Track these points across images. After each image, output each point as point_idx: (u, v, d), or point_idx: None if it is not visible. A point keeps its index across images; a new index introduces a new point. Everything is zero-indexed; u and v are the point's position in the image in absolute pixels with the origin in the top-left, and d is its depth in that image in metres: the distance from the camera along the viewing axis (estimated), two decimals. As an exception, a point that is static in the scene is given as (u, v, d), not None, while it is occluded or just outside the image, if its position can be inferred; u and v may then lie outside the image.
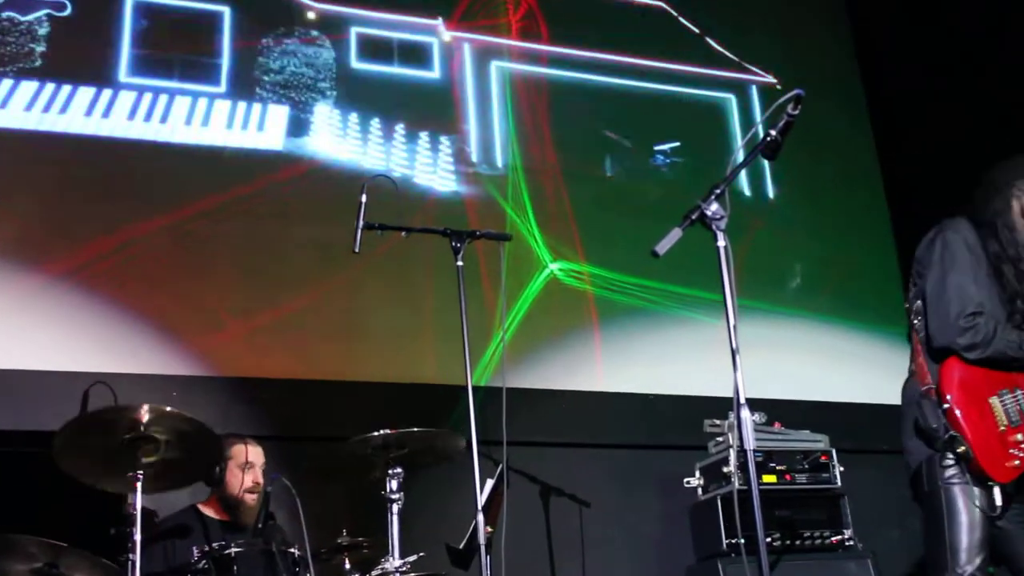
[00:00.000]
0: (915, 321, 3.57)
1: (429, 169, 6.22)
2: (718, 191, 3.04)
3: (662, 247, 2.94)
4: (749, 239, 6.89)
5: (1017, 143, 7.55)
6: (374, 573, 4.07)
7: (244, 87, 6.04)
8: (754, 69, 7.46)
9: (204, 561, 3.87)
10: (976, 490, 3.29)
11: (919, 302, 3.57)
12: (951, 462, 3.31)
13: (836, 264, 7.21)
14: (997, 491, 3.28)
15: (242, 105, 5.99)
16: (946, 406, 3.32)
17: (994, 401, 3.39)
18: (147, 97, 5.81)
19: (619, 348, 6.35)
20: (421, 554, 4.15)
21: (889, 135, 7.85)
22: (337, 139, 6.11)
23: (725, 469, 5.36)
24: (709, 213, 3.00)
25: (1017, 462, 3.34)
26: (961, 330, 3.36)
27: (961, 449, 3.27)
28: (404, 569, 4.03)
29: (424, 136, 6.28)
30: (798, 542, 5.48)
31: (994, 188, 3.59)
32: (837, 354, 6.83)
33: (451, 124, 6.43)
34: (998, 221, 3.53)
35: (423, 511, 4.98)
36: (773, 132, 3.23)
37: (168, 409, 3.67)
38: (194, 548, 3.95)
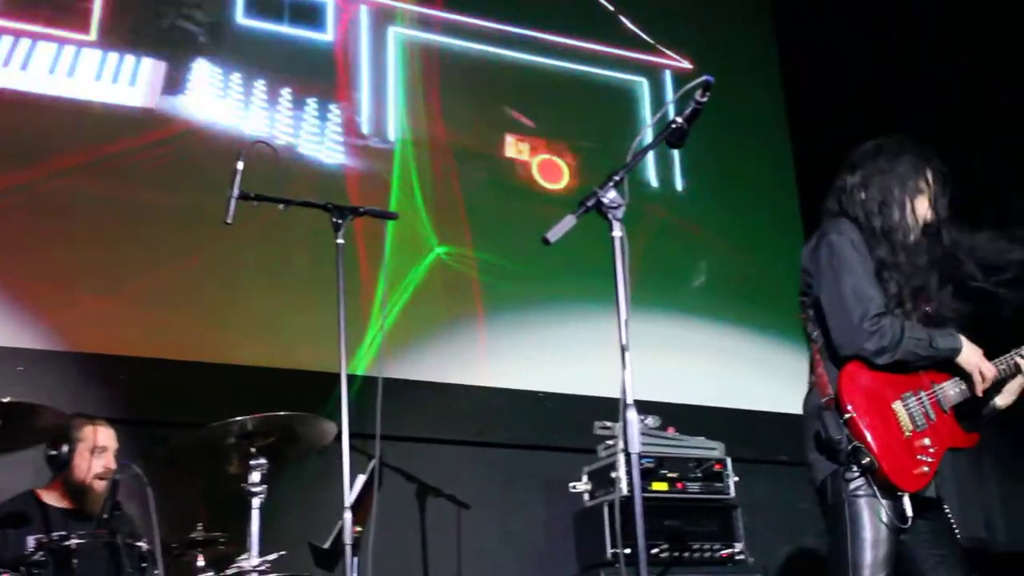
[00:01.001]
0: (812, 333, 3.61)
1: (315, 138, 6.15)
2: (616, 178, 3.05)
3: (554, 234, 2.94)
4: (653, 232, 6.97)
5: (939, 135, 7.82)
6: (229, 572, 4.02)
7: (116, 36, 5.90)
8: (669, 53, 7.55)
9: (40, 553, 3.78)
10: (884, 502, 3.33)
11: (812, 312, 3.61)
12: (856, 474, 3.34)
13: (744, 264, 7.32)
14: (907, 500, 3.32)
15: (113, 56, 5.85)
16: (848, 416, 3.35)
17: (898, 407, 3.45)
18: (6, 41, 5.64)
19: (508, 341, 6.38)
20: (282, 553, 4.11)
21: (807, 133, 8.00)
22: (216, 100, 6.00)
23: (613, 474, 5.40)
24: (606, 201, 3.01)
25: (925, 468, 3.41)
26: (868, 334, 3.40)
27: (866, 460, 3.30)
28: (263, 568, 3.98)
29: (312, 103, 6.21)
30: (686, 554, 5.55)
31: (874, 188, 3.65)
32: (739, 359, 6.94)
33: (342, 92, 6.37)
34: (880, 222, 3.59)
35: (287, 506, 4.94)
36: (679, 119, 3.25)
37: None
38: (30, 538, 3.85)
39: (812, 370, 3.61)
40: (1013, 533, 7.43)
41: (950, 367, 3.55)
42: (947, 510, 3.54)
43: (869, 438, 3.33)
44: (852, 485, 3.34)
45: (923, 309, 3.56)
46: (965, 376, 3.56)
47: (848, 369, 3.43)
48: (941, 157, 7.84)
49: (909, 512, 3.30)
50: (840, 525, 3.36)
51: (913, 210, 3.64)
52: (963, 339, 3.55)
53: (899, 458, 3.36)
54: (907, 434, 3.43)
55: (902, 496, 3.32)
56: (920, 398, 3.50)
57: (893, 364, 3.44)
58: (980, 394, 3.59)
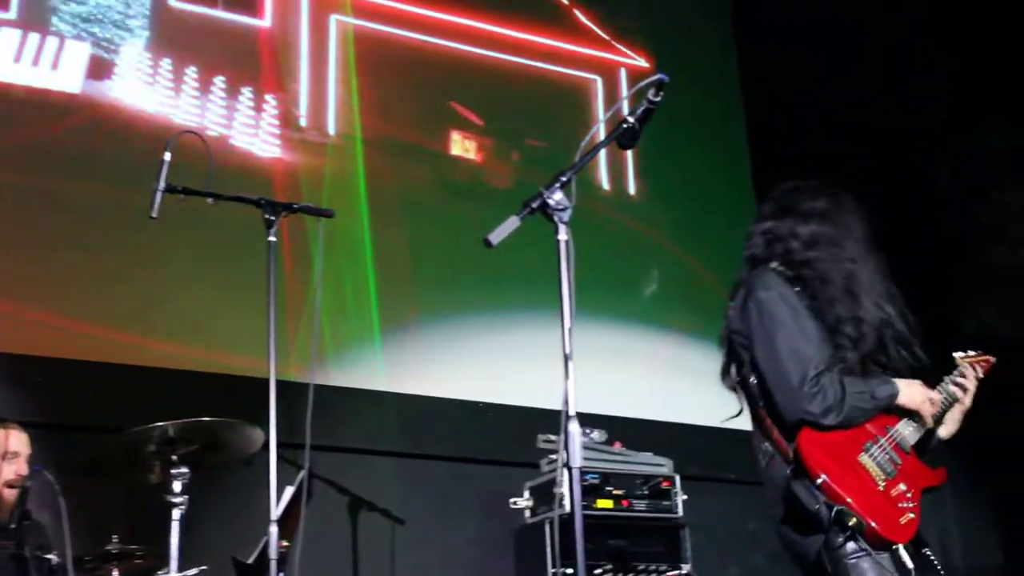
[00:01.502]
0: (760, 404, 3.57)
1: (249, 130, 6.11)
2: (564, 179, 3.04)
3: (496, 236, 2.93)
4: (602, 237, 6.99)
5: (902, 141, 7.94)
6: (146, 587, 3.99)
7: (38, 16, 5.82)
8: (625, 50, 7.58)
9: (-58, 564, 3.73)
10: (884, 555, 3.33)
11: (754, 377, 3.57)
12: (846, 539, 3.31)
13: (697, 272, 7.36)
14: (903, 552, 3.33)
15: (34, 37, 5.77)
16: (820, 481, 3.32)
17: (864, 459, 3.45)
18: (-84, 16, 5.56)
19: (448, 348, 6.37)
20: (203, 568, 4.09)
21: (764, 137, 8.07)
22: (145, 87, 5.94)
23: (556, 490, 5.40)
24: (551, 203, 2.99)
25: (911, 514, 3.42)
26: (810, 397, 3.37)
27: (852, 522, 3.27)
28: (182, 584, 3.96)
29: (247, 92, 6.17)
30: (631, 575, 5.56)
31: (795, 236, 3.64)
32: (691, 372, 6.94)
33: (279, 82, 6.34)
34: (807, 270, 3.59)
35: (210, 518, 4.88)
36: (631, 119, 3.24)
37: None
38: (-68, 549, 3.79)
39: (765, 438, 3.56)
40: (969, 557, 7.53)
41: (896, 409, 3.58)
42: (928, 552, 3.55)
43: (849, 499, 3.31)
44: (847, 549, 3.31)
45: (871, 362, 3.57)
46: (912, 413, 3.60)
47: (805, 434, 3.39)
48: (903, 163, 7.98)
49: (909, 564, 3.33)
50: None
51: (862, 259, 3.64)
52: (896, 381, 3.57)
53: (883, 511, 3.37)
54: (881, 485, 3.44)
55: (897, 549, 3.34)
56: (881, 445, 3.51)
57: (844, 422, 3.43)
58: (932, 424, 3.64)
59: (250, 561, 4.40)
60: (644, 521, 5.71)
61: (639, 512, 5.70)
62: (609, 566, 5.49)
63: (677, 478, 5.83)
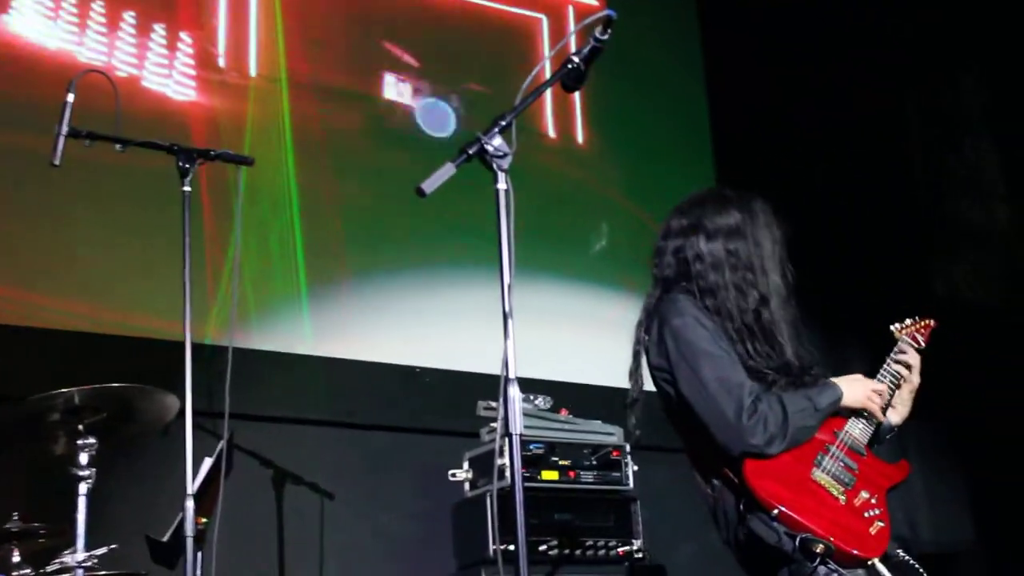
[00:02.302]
0: (696, 440, 3.56)
1: (163, 70, 6.02)
2: (503, 123, 3.03)
3: (430, 185, 2.92)
4: (547, 188, 6.99)
5: (864, 94, 8.00)
6: (50, 568, 3.97)
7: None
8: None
9: None
10: (860, 572, 3.35)
11: (682, 415, 3.57)
12: (815, 565, 3.28)
13: (650, 229, 7.34)
14: (879, 566, 3.34)
15: (-85, -34, 5.66)
16: (776, 512, 3.32)
17: (818, 475, 3.46)
18: None
19: (382, 308, 6.36)
20: (113, 547, 4.06)
21: (725, 87, 8.10)
22: (45, 22, 5.83)
23: (499, 461, 5.40)
24: (490, 149, 2.98)
25: (880, 523, 3.44)
26: (750, 430, 3.36)
27: (819, 548, 3.25)
28: (90, 564, 3.93)
29: (159, 29, 6.07)
30: (579, 552, 5.60)
31: (700, 258, 3.64)
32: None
33: (195, 19, 6.25)
34: (710, 300, 3.59)
35: (120, 493, 4.89)
36: (575, 58, 3.23)
37: None
38: None
39: (709, 474, 3.56)
40: (938, 533, 7.65)
41: (842, 410, 3.61)
42: (899, 552, 3.56)
43: (810, 524, 3.31)
44: (818, 574, 3.29)
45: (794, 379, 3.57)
46: (859, 410, 3.63)
47: (749, 466, 3.38)
48: (870, 113, 8.05)
49: (888, 575, 3.34)
50: None
51: (773, 281, 3.63)
52: (836, 382, 3.59)
53: (850, 528, 3.38)
54: (842, 499, 3.45)
55: (873, 564, 3.35)
56: (832, 454, 3.52)
57: (791, 444, 3.43)
58: (883, 417, 3.67)
59: (164, 539, 4.38)
60: (592, 494, 5.75)
61: (587, 484, 5.73)
62: (555, 542, 5.53)
63: (627, 447, 5.87)
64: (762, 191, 3.80)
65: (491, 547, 5.38)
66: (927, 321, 3.94)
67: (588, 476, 5.74)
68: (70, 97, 4.07)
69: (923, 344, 3.87)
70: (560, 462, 5.68)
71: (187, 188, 4.14)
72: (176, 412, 4.12)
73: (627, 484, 5.82)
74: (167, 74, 6.04)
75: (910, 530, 7.61)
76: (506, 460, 5.33)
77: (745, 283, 3.58)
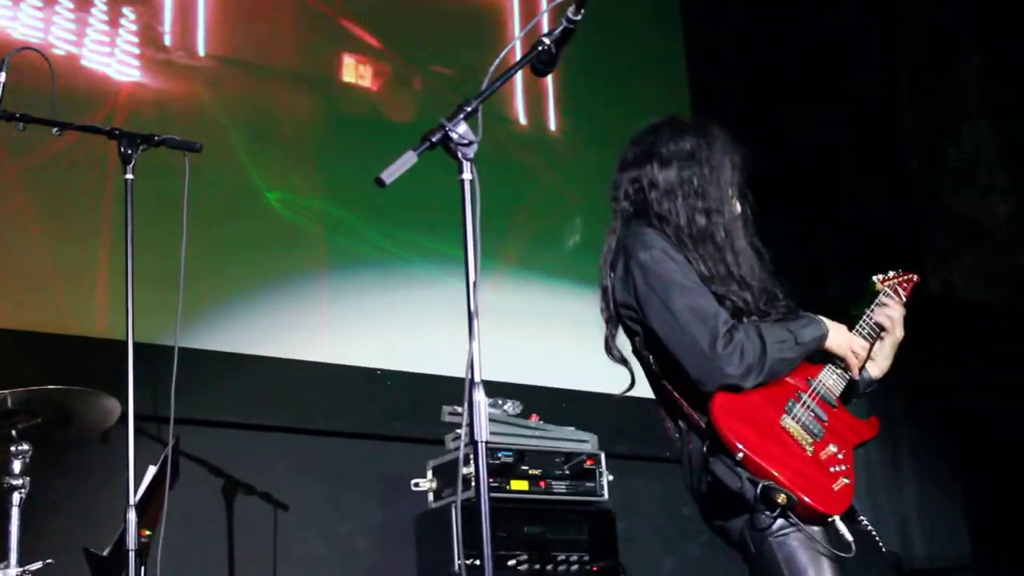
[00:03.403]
0: (664, 378, 3.57)
1: (103, 48, 5.99)
2: (468, 109, 3.02)
3: (390, 174, 2.90)
4: (517, 179, 7.00)
5: (857, 79, 8.04)
6: (-20, 584, 3.95)
7: None
8: (546, -38, 7.56)
9: None
10: (816, 530, 3.34)
11: (651, 352, 3.57)
12: (775, 515, 3.31)
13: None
14: (840, 524, 3.33)
15: None
16: (740, 455, 3.31)
17: (787, 422, 3.46)
18: None
19: (339, 307, 6.36)
20: (49, 561, 4.05)
21: (707, 71, 8.13)
22: (-25, -5, 5.81)
23: (464, 470, 5.41)
24: (454, 136, 2.98)
25: (845, 479, 3.43)
26: (726, 359, 3.37)
27: (780, 498, 3.27)
28: (24, 580, 3.93)
29: (100, 3, 6.04)
30: (550, 567, 5.60)
31: (690, 186, 3.63)
32: (619, 337, 7.01)
33: (139, -8, 6.22)
34: (673, 217, 3.59)
35: (57, 504, 4.88)
36: (546, 40, 3.22)
37: None
38: None
39: (677, 415, 3.57)
40: (932, 547, 7.69)
41: (818, 355, 3.62)
42: (863, 520, 3.59)
43: (775, 472, 3.31)
44: (774, 527, 3.32)
45: (763, 309, 3.58)
46: (836, 358, 3.64)
47: (717, 402, 3.38)
48: (864, 102, 8.09)
49: (848, 536, 3.32)
50: (774, 572, 3.34)
51: (732, 207, 3.65)
52: (824, 320, 3.62)
53: (814, 481, 3.38)
54: (809, 450, 3.45)
55: (833, 521, 3.34)
56: (804, 402, 3.53)
57: (768, 377, 3.45)
58: (858, 375, 3.68)
59: (105, 553, 4.36)
60: (565, 505, 5.75)
61: (559, 495, 5.74)
62: (524, 556, 5.53)
63: (602, 456, 5.88)
64: (749, 183, 3.81)
65: (456, 562, 5.38)
66: (910, 275, 3.97)
67: (560, 486, 5.74)
68: (2, 76, 4.06)
69: (904, 298, 3.89)
70: (530, 471, 5.67)
71: (129, 176, 4.16)
72: (117, 416, 4.13)
73: (602, 495, 5.82)
74: (109, 52, 6.00)
75: (902, 544, 7.64)
76: (471, 469, 5.35)
77: (698, 209, 3.58)
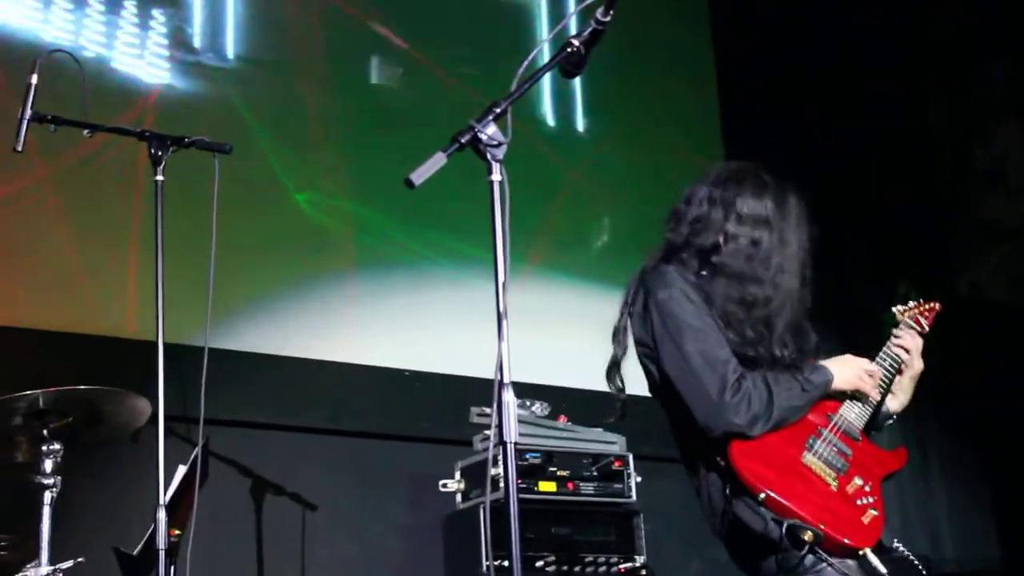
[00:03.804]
0: (680, 423, 3.59)
1: (133, 51, 6.01)
2: (498, 110, 3.02)
3: (419, 176, 2.90)
4: (546, 180, 7.00)
5: (887, 82, 8.01)
6: (13, 582, 3.97)
7: None
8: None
9: None
10: (851, 564, 3.34)
11: (664, 393, 3.59)
12: (803, 553, 3.30)
13: (654, 225, 7.35)
14: (871, 556, 3.34)
15: None
16: (762, 496, 3.32)
17: (809, 459, 3.47)
18: None
19: (369, 308, 6.37)
20: (80, 560, 4.05)
21: (736, 72, 8.10)
22: (8, -1, 5.83)
23: (493, 471, 5.40)
24: (483, 138, 2.97)
25: (873, 512, 3.44)
26: (733, 408, 3.37)
27: (807, 535, 3.27)
28: (55, 579, 3.94)
29: (130, 7, 6.06)
30: (578, 568, 5.60)
31: (698, 218, 3.66)
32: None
33: (168, -5, 6.25)
34: (717, 256, 3.60)
35: (88, 503, 4.88)
36: (575, 42, 3.23)
37: None
38: None
39: (697, 459, 3.58)
40: (961, 550, 7.65)
41: (834, 393, 3.61)
42: (899, 547, 3.57)
43: (798, 509, 3.32)
44: (807, 563, 3.32)
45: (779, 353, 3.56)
46: (854, 394, 3.63)
47: (736, 447, 3.39)
48: (891, 105, 8.05)
49: (882, 568, 3.33)
50: None
51: (781, 280, 3.61)
52: (826, 364, 3.59)
53: (841, 515, 3.39)
54: (834, 485, 3.45)
55: (864, 554, 3.34)
56: (825, 438, 3.53)
57: (777, 425, 3.44)
58: (877, 396, 3.67)
59: (135, 553, 4.37)
60: (593, 506, 5.75)
61: (587, 496, 5.73)
62: (552, 557, 5.52)
63: (630, 457, 5.87)
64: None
65: (484, 563, 5.39)
66: (932, 304, 3.95)
67: (588, 487, 5.74)
68: (34, 79, 4.08)
69: (927, 328, 3.88)
70: (558, 472, 5.67)
71: (160, 177, 4.16)
72: (147, 417, 4.13)
73: (630, 496, 5.82)
74: (138, 55, 6.03)
75: (931, 547, 7.61)
76: (500, 470, 5.35)
77: (755, 278, 3.57)
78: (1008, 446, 7.81)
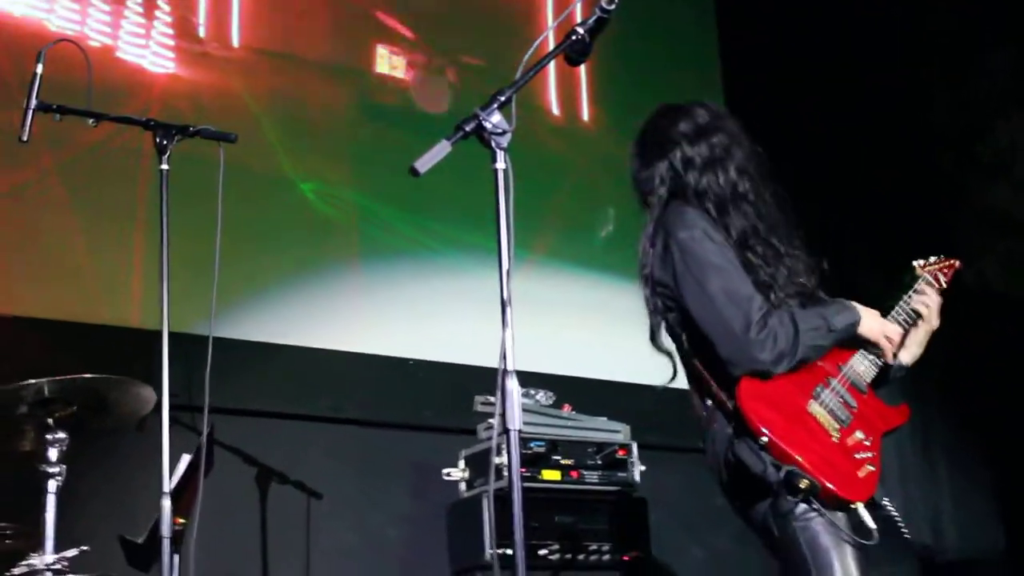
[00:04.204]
0: (695, 358, 3.59)
1: (139, 40, 6.01)
2: (502, 98, 3.02)
3: (424, 164, 2.91)
4: (551, 169, 6.99)
5: (890, 73, 8.00)
6: (17, 571, 3.95)
7: None
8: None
9: None
10: (840, 516, 3.35)
11: (685, 332, 3.60)
12: (797, 500, 3.32)
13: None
14: (863, 510, 3.34)
15: None
16: (764, 439, 3.33)
17: (815, 408, 3.47)
18: None
19: (373, 298, 6.37)
20: (85, 548, 4.06)
21: (740, 62, 8.09)
22: (13, -13, 5.83)
23: (497, 460, 5.40)
24: (488, 126, 2.98)
25: (870, 467, 3.44)
26: (759, 344, 3.38)
27: (804, 484, 3.28)
28: (60, 567, 3.93)
29: (135, -5, 6.07)
30: (581, 556, 5.60)
31: (709, 157, 3.69)
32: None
33: (174, -17, 6.24)
34: (732, 191, 3.64)
35: (92, 492, 4.88)
36: (580, 29, 3.23)
37: None
38: None
39: (704, 395, 3.59)
40: (964, 539, 7.64)
41: (850, 341, 3.61)
42: (887, 505, 3.58)
43: (799, 457, 3.32)
44: (797, 511, 3.34)
45: (796, 285, 3.60)
46: (868, 344, 3.63)
47: (744, 386, 3.41)
48: (893, 95, 8.04)
49: (871, 523, 3.33)
50: (797, 557, 3.36)
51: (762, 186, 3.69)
52: (857, 307, 3.60)
53: (839, 467, 3.39)
54: (836, 436, 3.45)
55: (856, 508, 3.35)
56: (833, 388, 3.53)
57: (799, 364, 3.46)
58: (892, 360, 3.67)
59: (140, 540, 4.37)
60: (597, 495, 5.74)
61: (591, 485, 5.72)
62: (556, 546, 5.53)
63: (634, 446, 5.86)
64: (780, 173, 3.81)
65: (488, 551, 5.39)
66: (951, 261, 3.96)
67: (592, 476, 5.73)
68: (39, 68, 4.08)
69: (945, 285, 3.88)
70: (562, 461, 5.66)
71: (165, 166, 4.16)
72: (152, 405, 4.13)
73: (634, 485, 5.81)
74: (144, 44, 6.03)
75: (934, 535, 7.60)
76: (504, 459, 5.35)
77: (731, 171, 3.65)
78: (1012, 435, 7.80)
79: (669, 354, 3.72)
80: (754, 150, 3.75)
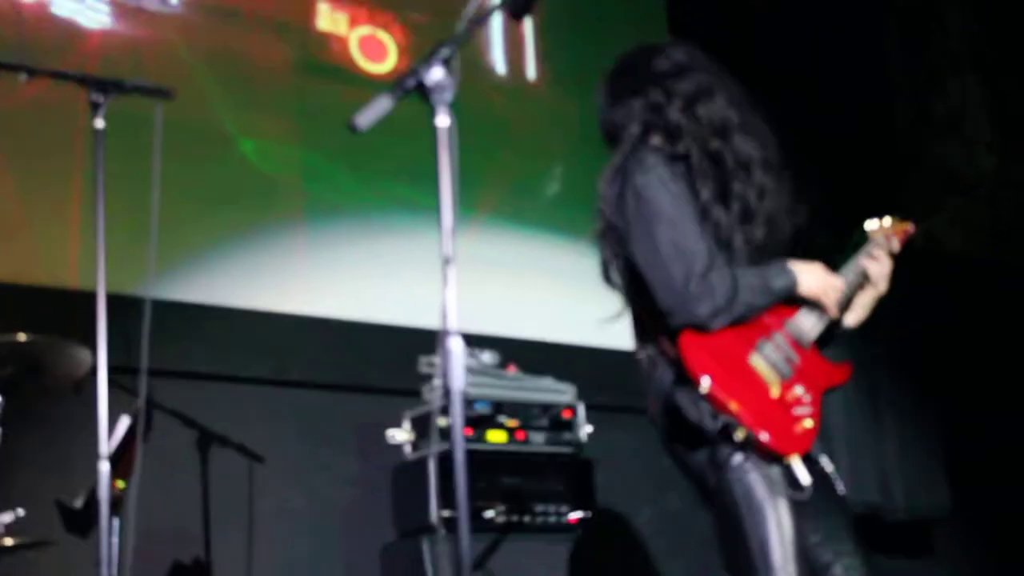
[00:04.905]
0: (639, 305, 3.60)
1: (73, -5, 5.94)
2: (444, 53, 3.00)
3: (364, 119, 2.88)
4: (495, 129, 6.97)
5: (842, 28, 8.02)
6: (-50, 537, 3.94)
7: None
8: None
9: None
10: (775, 469, 3.36)
11: (628, 275, 3.59)
12: (732, 450, 3.35)
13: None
14: (797, 464, 3.35)
15: None
16: (704, 390, 3.34)
17: (756, 360, 3.47)
18: None
19: (314, 258, 6.33)
20: (19, 513, 4.05)
21: (688, 17, 8.09)
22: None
23: (440, 421, 5.40)
24: (429, 82, 2.96)
25: (808, 422, 3.44)
26: (696, 299, 3.38)
27: (740, 435, 3.31)
28: (-5, 533, 3.92)
29: (70, -52, 5.99)
30: (528, 518, 5.61)
31: (694, 92, 3.70)
32: (598, 287, 6.98)
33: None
34: (724, 124, 3.66)
35: (28, 455, 4.86)
36: (525, -18, 3.21)
37: None
38: None
39: (647, 342, 3.61)
40: (912, 498, 7.71)
41: (796, 298, 3.61)
42: (822, 462, 3.61)
43: (736, 408, 3.34)
44: (733, 463, 3.36)
45: (756, 235, 3.60)
46: (813, 302, 3.63)
47: (687, 335, 3.41)
48: (850, 49, 8.05)
49: (805, 478, 3.34)
50: (731, 508, 3.38)
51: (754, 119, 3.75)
52: (794, 267, 3.59)
53: (776, 421, 3.40)
54: (775, 390, 3.46)
55: (790, 462, 3.36)
56: (776, 342, 3.53)
57: (737, 320, 3.46)
58: (837, 315, 3.67)
59: (77, 504, 4.35)
60: (543, 456, 5.77)
61: (537, 446, 5.75)
62: (502, 507, 5.54)
63: (581, 407, 5.89)
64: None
65: (433, 514, 5.40)
66: (905, 225, 3.94)
67: (538, 437, 5.75)
68: (-31, 22, 4.04)
69: (897, 248, 3.87)
70: (507, 423, 5.68)
71: (100, 124, 4.09)
72: (88, 367, 4.11)
73: (581, 446, 5.83)
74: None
75: (883, 496, 7.67)
76: (448, 420, 5.34)
77: (717, 108, 3.68)
78: (960, 396, 7.89)
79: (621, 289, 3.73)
80: (741, 87, 3.80)
